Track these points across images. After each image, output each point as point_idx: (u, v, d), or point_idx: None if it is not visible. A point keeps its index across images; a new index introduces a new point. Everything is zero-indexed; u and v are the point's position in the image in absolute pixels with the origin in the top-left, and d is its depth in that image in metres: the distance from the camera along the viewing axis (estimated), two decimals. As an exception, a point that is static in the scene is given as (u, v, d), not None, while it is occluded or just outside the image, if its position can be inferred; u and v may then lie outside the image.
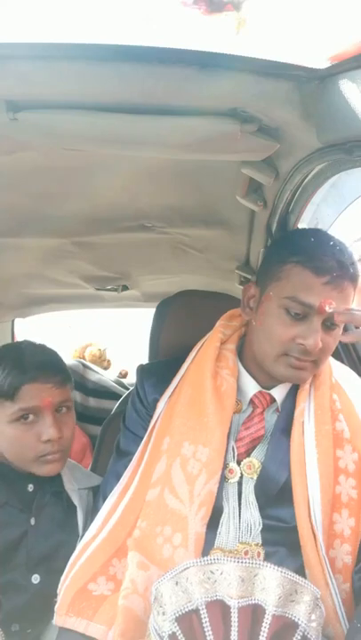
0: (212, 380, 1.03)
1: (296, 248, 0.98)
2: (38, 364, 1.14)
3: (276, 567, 0.77)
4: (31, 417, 1.09)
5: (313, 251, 0.97)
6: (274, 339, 0.96)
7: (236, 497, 0.99)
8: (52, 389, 1.11)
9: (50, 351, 1.21)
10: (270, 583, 0.76)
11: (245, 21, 0.73)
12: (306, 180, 1.05)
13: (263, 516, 0.98)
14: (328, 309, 0.92)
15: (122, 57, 0.72)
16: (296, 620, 0.74)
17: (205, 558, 0.79)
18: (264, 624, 0.73)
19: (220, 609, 0.75)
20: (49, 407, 1.10)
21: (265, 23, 0.73)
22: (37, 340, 1.26)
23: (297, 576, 0.77)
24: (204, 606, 0.75)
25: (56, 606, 0.96)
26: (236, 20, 0.73)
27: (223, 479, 0.98)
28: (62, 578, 0.98)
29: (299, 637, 0.74)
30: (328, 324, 0.95)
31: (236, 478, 1.00)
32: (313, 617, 0.75)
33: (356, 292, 0.98)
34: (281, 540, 0.96)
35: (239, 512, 0.98)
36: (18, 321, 2.53)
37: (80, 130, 0.88)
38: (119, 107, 0.83)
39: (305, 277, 0.94)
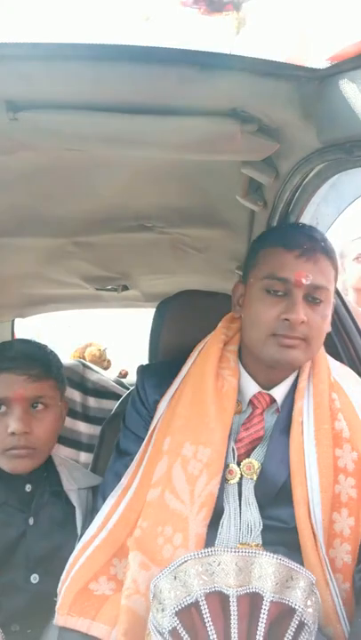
0: (213, 380, 1.03)
1: (268, 235, 1.09)
2: (15, 355, 1.12)
3: (271, 554, 0.78)
4: (3, 408, 1.08)
5: (283, 232, 1.06)
6: (260, 321, 0.98)
7: (237, 498, 0.99)
8: (25, 381, 1.09)
9: (36, 346, 1.19)
10: (267, 570, 0.76)
11: (245, 21, 0.73)
12: (306, 180, 1.05)
13: (263, 516, 0.97)
14: (305, 281, 0.95)
15: (122, 57, 0.72)
16: (293, 605, 0.75)
17: (203, 551, 0.79)
18: (263, 611, 0.74)
19: (218, 599, 0.75)
20: (19, 399, 1.08)
21: (265, 23, 0.73)
22: (37, 340, 1.25)
23: (292, 562, 0.78)
24: (203, 598, 0.75)
25: (57, 606, 0.96)
26: (236, 19, 0.73)
27: (224, 480, 0.98)
28: (62, 577, 0.98)
29: (296, 622, 0.74)
30: (310, 299, 0.97)
31: (236, 479, 1.00)
32: (309, 603, 0.76)
33: (334, 268, 1.01)
34: (281, 541, 0.96)
35: (240, 513, 0.98)
36: (18, 321, 2.53)
37: (80, 130, 0.88)
38: (119, 107, 0.84)
39: (278, 254, 0.98)
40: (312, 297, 0.97)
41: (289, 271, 0.96)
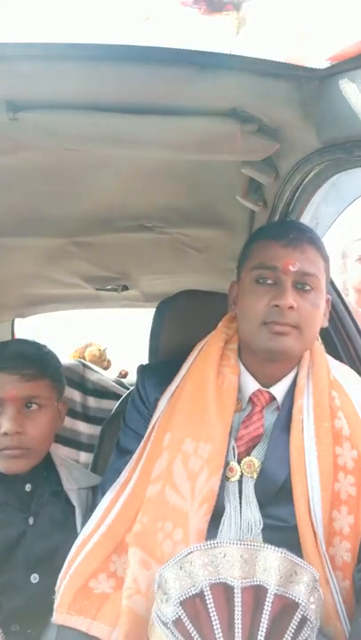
0: (214, 377, 1.03)
1: (257, 232, 1.16)
2: (9, 354, 1.12)
3: (276, 548, 0.78)
4: None
5: (271, 226, 1.18)
6: (251, 310, 0.99)
7: (237, 496, 0.99)
8: (19, 381, 1.08)
9: (32, 346, 1.19)
10: (271, 564, 0.77)
11: (245, 21, 0.73)
12: (306, 180, 1.06)
13: (264, 515, 0.98)
14: (292, 268, 0.97)
15: (122, 57, 0.72)
16: (296, 599, 0.75)
17: (208, 542, 0.80)
18: (266, 604, 0.74)
19: (223, 590, 0.75)
20: (11, 399, 1.08)
21: (265, 23, 0.73)
22: (37, 340, 1.25)
23: (296, 557, 0.78)
24: (208, 588, 0.75)
25: (55, 604, 0.96)
26: (236, 19, 0.73)
27: (224, 477, 0.99)
28: (61, 575, 0.98)
29: (299, 617, 0.74)
30: (299, 286, 0.99)
31: (237, 477, 1.00)
32: (312, 599, 0.76)
33: (324, 260, 1.03)
34: (282, 540, 0.96)
35: (240, 511, 0.98)
36: (18, 321, 2.53)
37: (80, 130, 0.88)
38: (119, 107, 0.84)
39: (266, 245, 1.01)
40: (301, 284, 0.98)
41: (277, 259, 0.98)
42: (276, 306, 0.96)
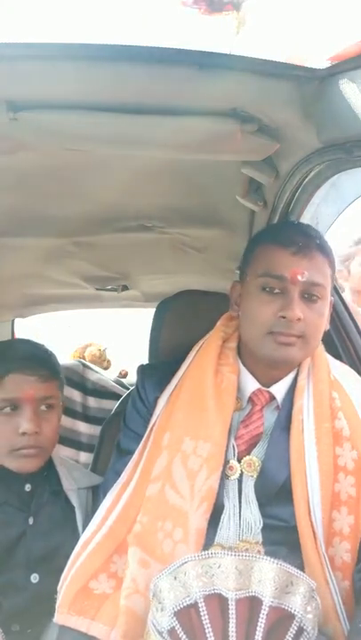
0: (213, 377, 1.03)
1: (264, 233, 1.11)
2: (25, 355, 1.14)
3: (272, 559, 0.78)
4: (9, 409, 1.09)
5: (279, 229, 1.10)
6: (257, 319, 0.98)
7: (237, 494, 0.99)
8: (35, 382, 1.10)
9: (40, 347, 1.21)
10: (267, 575, 0.76)
11: (245, 21, 0.73)
12: (306, 180, 1.06)
13: (263, 514, 0.98)
14: (300, 278, 0.95)
15: (122, 57, 0.72)
16: (292, 611, 0.75)
17: (203, 553, 0.80)
18: (261, 615, 0.74)
19: (217, 602, 0.75)
20: (30, 400, 1.09)
21: (265, 23, 0.73)
22: (37, 340, 1.26)
23: (292, 568, 0.78)
24: (202, 600, 0.75)
25: (57, 604, 0.96)
26: (236, 19, 0.73)
27: (224, 476, 0.99)
28: (63, 575, 0.99)
29: (295, 628, 0.74)
30: (306, 296, 0.98)
31: (237, 475, 1.00)
32: (309, 608, 0.76)
33: (331, 267, 1.01)
34: (281, 540, 0.96)
35: (240, 510, 0.98)
36: (18, 321, 2.53)
37: (80, 130, 0.88)
38: (119, 107, 0.84)
39: (274, 252, 0.98)
40: (309, 294, 0.97)
41: (285, 268, 0.96)
42: (283, 317, 0.95)
